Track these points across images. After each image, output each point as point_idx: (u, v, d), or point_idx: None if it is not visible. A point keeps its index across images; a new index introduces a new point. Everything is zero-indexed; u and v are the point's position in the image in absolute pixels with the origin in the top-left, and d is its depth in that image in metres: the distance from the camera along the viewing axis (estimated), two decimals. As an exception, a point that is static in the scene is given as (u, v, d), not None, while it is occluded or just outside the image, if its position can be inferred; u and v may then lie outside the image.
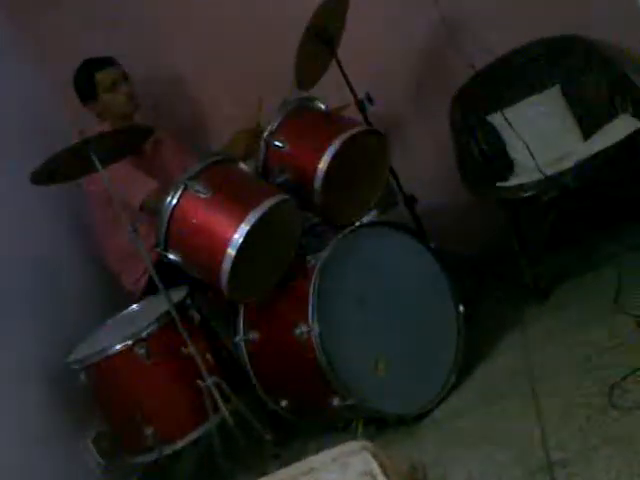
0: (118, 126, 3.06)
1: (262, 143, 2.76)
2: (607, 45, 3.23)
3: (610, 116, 3.10)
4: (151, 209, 2.76)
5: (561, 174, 2.87)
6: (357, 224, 2.79)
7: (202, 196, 2.50)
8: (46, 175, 2.50)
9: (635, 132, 2.85)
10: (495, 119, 3.29)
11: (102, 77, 3.10)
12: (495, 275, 3.20)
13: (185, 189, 2.51)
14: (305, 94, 2.94)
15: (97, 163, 2.43)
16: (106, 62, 3.13)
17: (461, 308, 2.82)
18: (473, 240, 3.36)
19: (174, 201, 2.51)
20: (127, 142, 2.67)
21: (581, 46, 3.27)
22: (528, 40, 3.33)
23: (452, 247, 3.07)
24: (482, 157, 3.27)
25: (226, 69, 3.50)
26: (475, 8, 3.34)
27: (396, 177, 3.12)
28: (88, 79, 3.10)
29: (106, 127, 3.04)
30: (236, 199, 2.54)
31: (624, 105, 3.06)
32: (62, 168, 2.50)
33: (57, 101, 3.46)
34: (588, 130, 3.18)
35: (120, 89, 3.11)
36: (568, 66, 3.29)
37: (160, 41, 3.50)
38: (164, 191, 2.54)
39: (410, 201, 3.14)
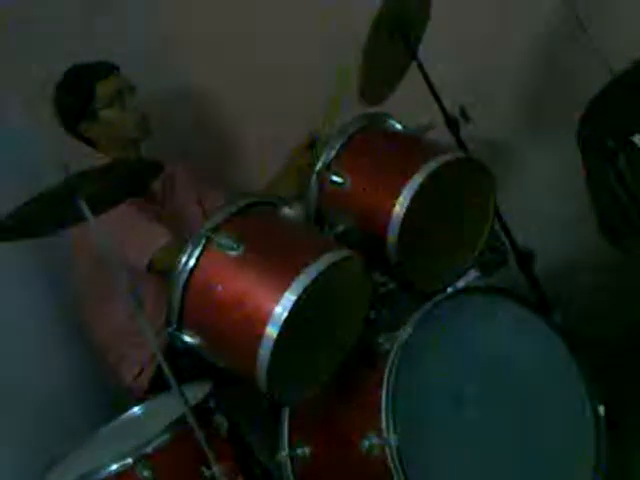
0: (119, 157, 3.12)
1: (314, 178, 2.78)
2: None
3: None
4: (163, 270, 2.79)
5: None
6: (449, 291, 2.77)
7: (231, 254, 2.50)
8: (15, 229, 2.51)
9: None
10: (643, 142, 3.26)
11: (104, 88, 3.17)
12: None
13: (207, 244, 2.52)
14: (373, 110, 2.96)
15: (86, 211, 2.46)
16: (109, 69, 3.21)
17: (601, 411, 2.78)
18: (617, 315, 3.31)
19: (192, 261, 2.51)
20: (128, 181, 2.71)
21: None
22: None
23: (586, 325, 3.04)
24: (627, 194, 3.24)
25: (258, 83, 3.61)
26: None
27: (504, 224, 3.10)
28: (82, 91, 3.18)
29: (103, 159, 3.09)
30: (278, 257, 2.53)
31: None
32: (37, 218, 2.51)
33: (32, 127, 3.55)
34: None
35: (127, 104, 3.18)
36: None
37: (169, 54, 3.61)
38: (180, 246, 2.55)
39: (525, 258, 3.11)
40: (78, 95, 3.18)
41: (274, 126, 3.52)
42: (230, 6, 3.57)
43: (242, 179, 3.57)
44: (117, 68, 3.23)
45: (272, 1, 3.57)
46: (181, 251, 2.51)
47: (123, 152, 3.19)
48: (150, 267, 2.87)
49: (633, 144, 3.27)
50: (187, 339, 2.55)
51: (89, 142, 3.22)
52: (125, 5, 3.58)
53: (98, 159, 3.10)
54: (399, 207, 2.68)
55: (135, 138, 3.22)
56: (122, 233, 2.72)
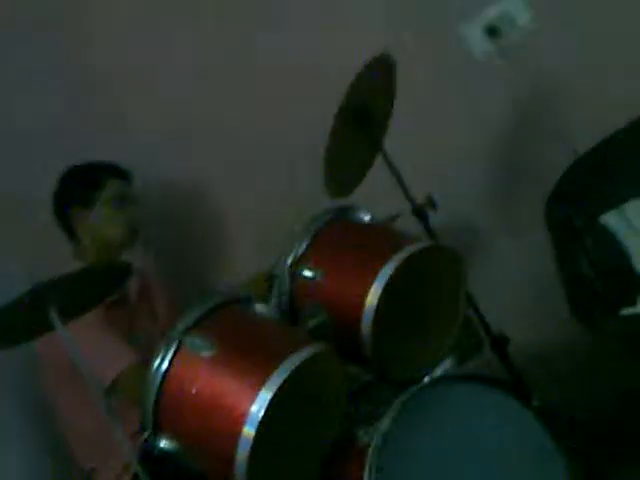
0: (98, 257, 3.11)
1: (285, 273, 2.77)
2: None
3: None
4: (127, 390, 2.76)
5: None
6: (426, 380, 2.74)
7: (204, 354, 2.47)
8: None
9: None
10: (611, 220, 3.27)
11: (113, 186, 3.22)
12: (633, 446, 3.12)
13: (180, 346, 2.49)
14: (341, 202, 2.96)
15: (56, 320, 2.43)
16: (125, 173, 3.28)
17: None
18: (595, 395, 3.29)
19: (165, 365, 2.48)
20: (99, 286, 2.68)
21: None
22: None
23: (566, 407, 3.02)
24: (596, 274, 3.24)
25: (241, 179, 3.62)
26: (575, 74, 3.42)
27: (477, 310, 3.09)
28: (93, 178, 3.21)
29: (87, 258, 3.09)
30: (251, 356, 2.50)
31: None
32: (6, 329, 2.49)
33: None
34: None
35: (126, 211, 3.20)
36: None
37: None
38: (145, 366, 2.51)
39: (499, 343, 3.09)
40: (88, 180, 3.22)
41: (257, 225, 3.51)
42: (214, 103, 3.60)
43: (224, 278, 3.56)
44: (132, 177, 3.28)
45: (251, 102, 3.59)
46: (146, 371, 2.47)
47: (103, 253, 3.17)
48: (113, 386, 2.83)
49: (601, 224, 3.28)
50: (163, 445, 2.49)
51: (71, 233, 3.20)
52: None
53: (84, 256, 3.11)
54: (371, 298, 2.66)
55: (119, 243, 3.22)
56: (88, 346, 2.69)
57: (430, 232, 3.08)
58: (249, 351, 2.52)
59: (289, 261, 2.77)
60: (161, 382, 2.47)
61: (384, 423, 2.59)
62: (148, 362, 2.49)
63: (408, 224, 3.05)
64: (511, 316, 3.27)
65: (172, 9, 3.58)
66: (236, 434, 2.37)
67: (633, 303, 3.10)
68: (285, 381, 2.40)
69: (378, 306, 2.65)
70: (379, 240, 2.86)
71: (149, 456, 2.52)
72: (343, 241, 2.84)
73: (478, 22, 3.43)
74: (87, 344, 2.71)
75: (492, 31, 3.41)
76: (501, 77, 3.43)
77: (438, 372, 2.85)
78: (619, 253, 3.24)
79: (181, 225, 3.72)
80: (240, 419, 2.38)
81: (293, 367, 2.43)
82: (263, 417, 2.36)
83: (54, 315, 2.41)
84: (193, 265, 3.68)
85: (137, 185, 3.30)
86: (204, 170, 3.65)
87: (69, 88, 3.58)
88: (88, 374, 2.48)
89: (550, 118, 3.41)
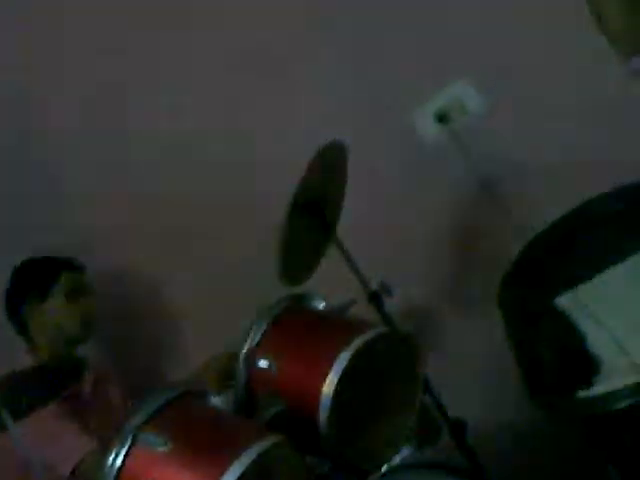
0: (51, 354, 3.07)
1: (241, 364, 2.74)
2: None
3: None
4: (87, 477, 2.71)
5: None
6: (385, 469, 2.71)
7: (158, 450, 2.43)
8: None
9: None
10: (566, 302, 3.27)
11: (68, 278, 3.20)
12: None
13: (134, 442, 2.45)
14: (294, 290, 2.95)
15: (8, 420, 2.39)
16: (79, 265, 3.26)
17: None
18: (556, 474, 3.29)
19: (118, 461, 2.43)
20: (51, 384, 2.65)
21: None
22: (602, 189, 3.38)
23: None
24: (551, 356, 3.23)
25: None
26: (524, 154, 3.43)
27: (434, 396, 3.07)
28: (48, 272, 3.19)
29: (41, 354, 3.05)
30: (207, 450, 2.46)
31: None
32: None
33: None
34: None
35: (81, 302, 3.17)
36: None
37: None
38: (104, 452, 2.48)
39: (457, 429, 3.07)
40: (42, 273, 3.20)
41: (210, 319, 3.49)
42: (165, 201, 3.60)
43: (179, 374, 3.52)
44: (85, 269, 3.27)
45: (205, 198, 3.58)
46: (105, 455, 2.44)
47: (57, 348, 3.13)
48: (73, 475, 2.78)
49: (556, 306, 3.28)
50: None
51: (24, 329, 3.16)
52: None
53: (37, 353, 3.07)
54: (328, 388, 2.63)
55: (74, 337, 3.18)
56: (42, 439, 2.65)
57: (385, 317, 3.07)
58: (204, 446, 2.48)
59: (244, 352, 2.75)
60: (115, 478, 2.43)
61: (343, 514, 2.56)
62: (105, 452, 2.45)
63: (363, 310, 3.04)
64: (467, 398, 3.25)
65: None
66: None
67: (589, 386, 3.10)
68: (242, 475, 2.37)
69: (335, 395, 2.63)
70: (334, 328, 2.84)
71: None
72: (298, 330, 2.82)
73: (428, 108, 3.46)
74: (42, 438, 2.68)
75: (442, 117, 3.44)
76: (452, 162, 3.45)
77: (396, 460, 2.82)
78: (574, 335, 3.24)
79: (135, 319, 3.69)
80: (197, 515, 2.35)
81: (249, 461, 2.39)
82: (220, 513, 2.33)
83: (6, 414, 2.38)
84: (147, 359, 3.64)
85: (90, 277, 3.28)
86: (157, 264, 3.62)
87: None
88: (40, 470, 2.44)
89: (502, 199, 3.42)
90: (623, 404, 2.87)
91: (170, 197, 3.56)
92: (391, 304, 3.08)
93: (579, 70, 3.32)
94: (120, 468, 2.43)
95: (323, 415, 2.64)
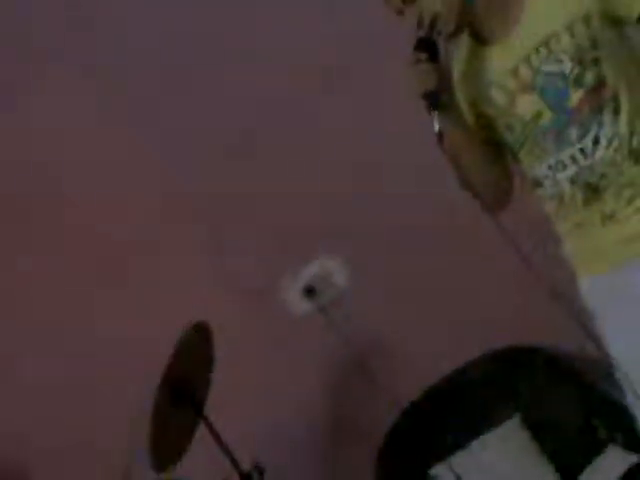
0: None
1: None
2: (574, 355, 3.33)
3: (592, 448, 3.11)
4: None
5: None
6: None
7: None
8: None
9: (631, 470, 2.85)
10: (440, 472, 3.26)
11: None
12: None
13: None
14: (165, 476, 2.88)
15: None
16: None
17: None
18: None
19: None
20: None
21: (541, 358, 3.35)
22: (470, 357, 3.40)
23: None
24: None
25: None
26: (392, 319, 3.47)
27: None
28: None
29: None
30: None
31: (609, 433, 3.08)
32: None
33: None
34: (567, 470, 3.18)
35: None
36: (527, 387, 3.35)
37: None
38: None
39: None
40: None
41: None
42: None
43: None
44: None
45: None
46: None
47: None
48: None
49: (429, 477, 3.26)
50: None
51: None
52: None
53: None
54: None
55: None
56: None
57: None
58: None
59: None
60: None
61: None
62: None
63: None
64: None
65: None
66: None
67: None
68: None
69: None
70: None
71: None
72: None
73: (296, 282, 3.47)
74: None
75: (310, 291, 3.45)
76: (320, 335, 3.44)
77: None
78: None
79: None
80: None
81: None
82: None
83: None
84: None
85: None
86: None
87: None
88: None
89: (373, 373, 3.42)
90: None
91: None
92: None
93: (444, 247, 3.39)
94: None
95: None
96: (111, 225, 3.56)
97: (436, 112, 2.18)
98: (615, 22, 2.23)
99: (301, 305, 3.47)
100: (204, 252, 3.55)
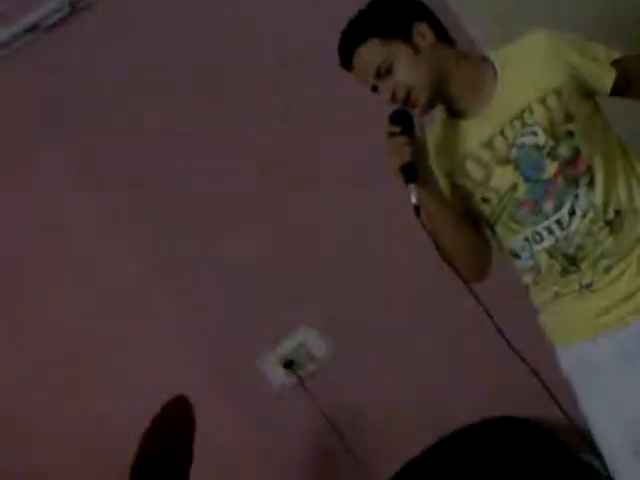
0: None
1: None
2: (557, 424, 3.30)
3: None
4: None
5: None
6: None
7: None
8: None
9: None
10: None
11: None
12: None
13: None
14: None
15: None
16: None
17: None
18: None
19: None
20: None
21: (523, 429, 3.34)
22: (451, 429, 3.37)
23: None
24: None
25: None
26: (372, 391, 3.44)
27: None
28: None
29: None
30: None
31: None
32: None
33: None
34: None
35: None
36: (510, 458, 3.30)
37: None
38: None
39: None
40: None
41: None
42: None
43: None
44: None
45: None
46: None
47: None
48: None
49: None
50: None
51: None
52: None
53: None
54: None
55: None
56: None
57: None
58: None
59: None
60: None
61: None
62: None
63: None
64: None
65: None
66: None
67: None
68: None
69: None
70: None
71: None
72: None
73: (275, 355, 3.45)
74: None
75: (289, 363, 3.43)
76: (299, 407, 3.42)
77: None
78: None
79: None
80: None
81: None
82: None
83: None
84: None
85: None
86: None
87: None
88: None
89: (350, 447, 3.40)
90: None
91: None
92: None
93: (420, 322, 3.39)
94: None
95: None
96: (82, 299, 3.53)
97: (412, 185, 2.20)
98: (588, 95, 2.27)
99: (280, 378, 3.45)
100: (181, 324, 3.52)
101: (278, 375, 3.46)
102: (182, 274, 3.51)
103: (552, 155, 2.20)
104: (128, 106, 3.43)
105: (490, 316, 2.23)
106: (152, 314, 3.47)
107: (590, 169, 2.21)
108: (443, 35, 2.32)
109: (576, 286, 2.27)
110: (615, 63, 2.25)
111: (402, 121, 2.22)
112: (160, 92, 3.41)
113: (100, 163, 3.50)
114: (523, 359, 2.27)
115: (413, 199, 2.18)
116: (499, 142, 2.24)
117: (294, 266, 3.46)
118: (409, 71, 2.25)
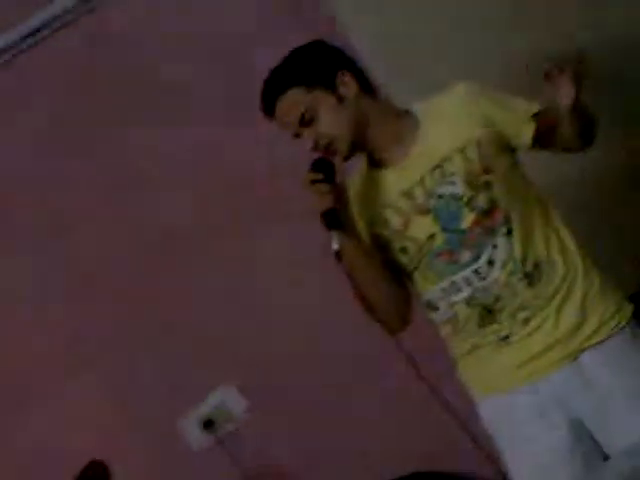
0: None
1: None
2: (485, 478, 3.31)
3: None
4: None
5: None
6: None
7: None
8: None
9: None
10: None
11: None
12: None
13: None
14: None
15: None
16: None
17: None
18: None
19: None
20: None
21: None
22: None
23: None
24: None
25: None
26: (293, 450, 3.42)
27: None
28: None
29: None
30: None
31: None
32: None
33: None
34: None
35: None
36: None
37: None
38: None
39: None
40: None
41: None
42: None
43: None
44: None
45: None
46: None
47: None
48: None
49: None
50: None
51: None
52: None
53: None
54: None
55: None
56: None
57: None
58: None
59: None
60: None
61: None
62: None
63: None
64: None
65: None
66: None
67: None
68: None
69: None
70: None
71: None
72: None
73: (194, 415, 3.41)
74: None
75: (208, 423, 3.38)
76: (219, 468, 3.37)
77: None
78: None
79: None
80: None
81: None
82: None
83: None
84: None
85: None
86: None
87: None
88: None
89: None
90: None
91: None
92: None
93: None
94: None
95: None
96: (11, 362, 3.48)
97: (334, 231, 2.20)
98: (507, 149, 2.30)
99: (200, 439, 3.40)
100: (101, 386, 3.47)
101: (197, 436, 3.41)
102: (100, 337, 3.47)
103: (470, 205, 2.22)
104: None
105: (415, 368, 2.24)
106: (71, 376, 3.41)
107: (507, 221, 2.24)
108: (366, 86, 2.35)
109: (494, 338, 2.28)
110: (536, 116, 2.29)
111: (324, 169, 2.23)
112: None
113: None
114: (452, 413, 2.27)
115: (334, 245, 2.20)
116: (418, 192, 2.26)
117: (213, 326, 3.43)
118: (331, 121, 2.27)
